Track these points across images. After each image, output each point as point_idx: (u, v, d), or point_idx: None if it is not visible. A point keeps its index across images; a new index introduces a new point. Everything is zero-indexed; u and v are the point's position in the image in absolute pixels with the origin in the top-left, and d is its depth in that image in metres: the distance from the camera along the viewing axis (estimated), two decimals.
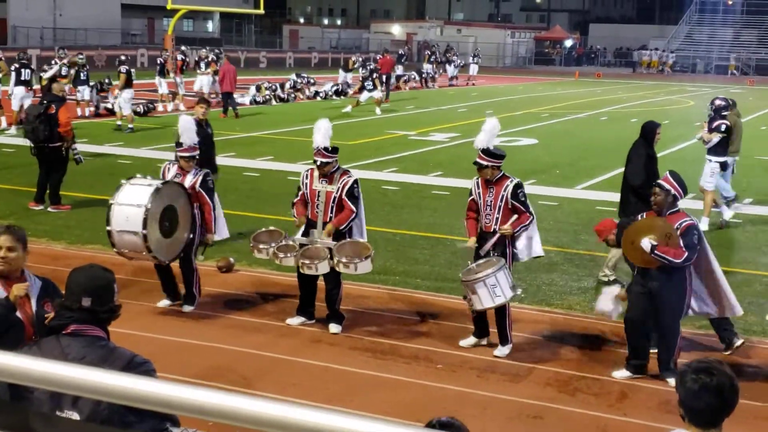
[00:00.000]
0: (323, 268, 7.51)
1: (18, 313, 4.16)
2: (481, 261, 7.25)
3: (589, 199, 14.31)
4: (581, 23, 78.73)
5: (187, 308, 8.15)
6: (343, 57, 29.54)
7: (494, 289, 6.96)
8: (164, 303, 8.25)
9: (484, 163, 7.30)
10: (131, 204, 7.51)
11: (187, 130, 8.42)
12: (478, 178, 7.45)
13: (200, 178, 8.17)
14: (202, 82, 26.59)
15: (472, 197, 7.49)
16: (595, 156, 19.29)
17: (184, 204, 7.93)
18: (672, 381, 6.78)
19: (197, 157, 8.35)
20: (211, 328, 7.77)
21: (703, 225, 11.98)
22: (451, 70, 41.44)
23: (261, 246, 7.81)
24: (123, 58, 21.76)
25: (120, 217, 7.51)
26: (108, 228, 7.56)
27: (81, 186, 13.42)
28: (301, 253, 7.57)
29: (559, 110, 30.04)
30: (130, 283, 8.60)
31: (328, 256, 7.50)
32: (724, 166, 12.12)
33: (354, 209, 7.68)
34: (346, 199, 7.65)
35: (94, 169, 15.36)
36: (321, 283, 7.88)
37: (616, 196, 14.38)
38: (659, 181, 6.82)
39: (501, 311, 7.23)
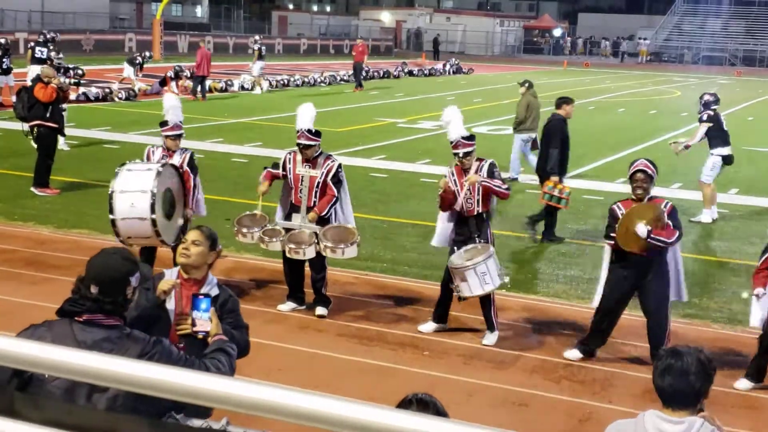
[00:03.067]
0: (310, 253, 7.51)
1: (171, 306, 4.06)
2: (468, 247, 7.25)
3: (576, 187, 14.30)
4: (570, 12, 78.73)
5: None
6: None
7: (484, 276, 6.98)
8: None
9: (468, 149, 7.30)
10: (135, 190, 7.43)
11: (171, 108, 8.32)
12: (452, 168, 7.46)
13: (187, 156, 8.14)
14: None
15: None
16: (582, 145, 19.29)
17: (178, 185, 7.91)
18: None
19: (183, 135, 8.30)
20: None
21: (705, 218, 12.04)
22: None
23: (244, 230, 7.79)
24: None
25: (124, 205, 7.40)
26: (112, 217, 7.44)
27: (68, 170, 13.33)
28: (287, 238, 7.56)
29: (548, 99, 30.00)
30: None
31: (315, 241, 7.49)
32: (728, 160, 12.15)
33: (335, 193, 7.66)
34: (331, 184, 7.64)
35: (80, 154, 15.29)
36: (307, 269, 7.88)
37: (603, 185, 14.48)
38: (642, 167, 6.78)
39: (487, 299, 7.25)
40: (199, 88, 24.88)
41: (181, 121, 8.30)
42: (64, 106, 13.16)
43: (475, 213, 7.32)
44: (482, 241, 7.27)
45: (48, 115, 12.10)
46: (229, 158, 15.55)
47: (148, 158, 8.14)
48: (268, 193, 7.95)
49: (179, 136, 8.20)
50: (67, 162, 13.68)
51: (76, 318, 3.14)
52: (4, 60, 19.54)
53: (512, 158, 14.60)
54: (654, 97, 32.42)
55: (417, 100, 27.89)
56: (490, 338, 7.34)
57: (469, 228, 7.32)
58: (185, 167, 8.06)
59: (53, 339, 3.03)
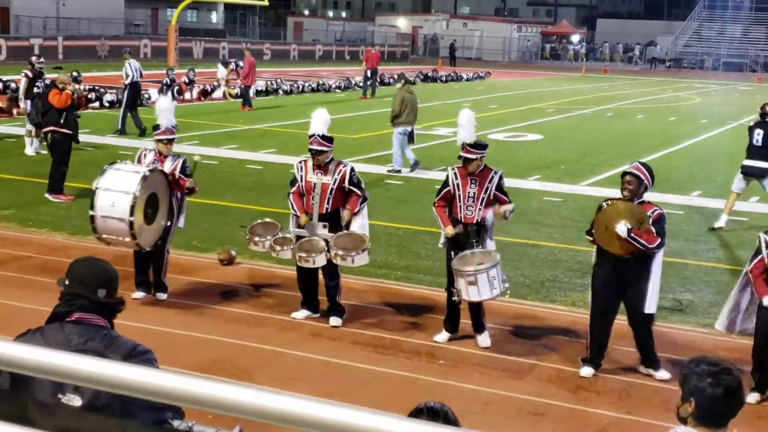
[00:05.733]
0: (320, 260, 7.52)
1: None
2: (476, 250, 7.22)
3: (594, 195, 14.26)
4: (588, 18, 78.57)
5: (162, 296, 8.17)
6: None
7: (494, 281, 6.99)
8: (139, 295, 8.18)
9: (473, 156, 7.30)
10: (118, 190, 7.50)
11: (164, 111, 8.30)
12: (455, 170, 7.45)
13: (179, 164, 8.10)
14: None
15: (448, 188, 7.42)
16: (600, 152, 19.26)
17: (165, 192, 7.95)
18: (659, 374, 6.80)
19: (175, 140, 8.30)
20: (210, 320, 7.78)
21: (721, 222, 11.99)
22: None
23: (256, 239, 7.81)
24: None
25: (105, 203, 7.51)
26: (91, 212, 7.55)
27: (82, 176, 13.42)
28: (297, 246, 7.57)
29: (565, 105, 29.99)
30: (127, 275, 8.59)
31: (325, 248, 7.50)
32: (746, 170, 12.06)
33: (360, 193, 7.68)
34: (351, 187, 7.65)
35: (95, 160, 15.37)
36: (321, 276, 7.90)
37: (619, 193, 14.39)
38: (631, 170, 6.77)
39: (478, 304, 7.27)
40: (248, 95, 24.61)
41: (174, 126, 8.29)
42: (78, 112, 13.28)
43: (474, 221, 7.31)
44: (481, 247, 7.26)
45: (62, 121, 12.21)
46: (244, 165, 15.61)
47: (139, 161, 8.14)
48: (306, 221, 7.84)
49: (172, 141, 8.19)
50: (81, 168, 13.78)
51: (66, 319, 3.18)
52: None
53: (394, 152, 15.64)
54: (673, 104, 32.26)
55: (432, 106, 27.89)
56: (486, 339, 7.38)
57: (468, 235, 7.31)
58: (177, 173, 8.03)
59: (46, 343, 3.07)
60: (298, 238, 7.68)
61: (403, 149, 15.69)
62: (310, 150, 7.70)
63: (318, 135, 7.65)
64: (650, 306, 6.79)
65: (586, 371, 6.90)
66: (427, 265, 9.77)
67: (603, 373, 6.96)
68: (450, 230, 7.33)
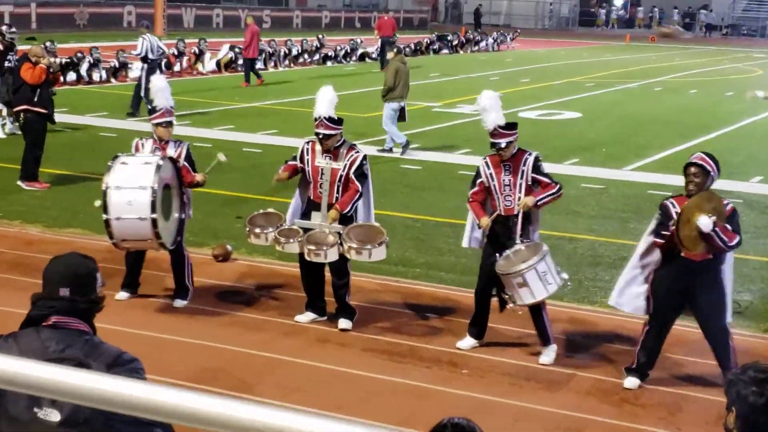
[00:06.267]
0: (332, 254, 7.52)
1: None
2: (513, 249, 7.20)
3: (639, 181, 14.23)
4: None
5: (180, 303, 8.16)
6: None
7: (546, 276, 6.94)
8: (123, 296, 8.21)
9: (507, 140, 7.25)
10: (133, 186, 7.50)
11: (160, 90, 8.32)
12: (486, 159, 7.43)
13: (184, 150, 8.12)
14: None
15: (481, 179, 7.41)
16: (647, 132, 19.17)
17: (176, 182, 7.97)
18: None
19: (175, 122, 8.32)
20: (204, 324, 7.82)
21: None
22: None
23: (257, 230, 7.81)
24: None
25: (120, 203, 7.47)
26: (105, 217, 7.52)
27: (59, 161, 13.50)
28: (306, 239, 7.58)
29: (607, 79, 29.85)
30: (118, 273, 8.65)
31: (338, 241, 7.51)
32: None
33: (360, 188, 7.67)
34: (354, 178, 7.65)
35: (73, 142, 15.46)
36: (327, 274, 7.91)
37: (672, 179, 14.33)
38: (695, 160, 6.68)
39: (538, 309, 7.21)
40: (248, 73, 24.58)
41: (172, 107, 8.29)
42: (54, 89, 13.32)
43: (516, 212, 7.28)
44: (526, 241, 7.23)
45: (36, 99, 12.24)
46: (241, 148, 15.64)
47: (137, 152, 8.12)
48: (284, 182, 7.97)
49: (171, 124, 8.21)
50: (58, 152, 13.84)
51: (43, 323, 3.20)
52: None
53: (387, 129, 15.58)
54: (731, 77, 32.05)
55: (455, 80, 27.84)
56: (549, 355, 7.28)
57: (509, 229, 7.28)
58: (182, 161, 8.06)
59: (21, 351, 3.09)
60: (305, 230, 7.69)
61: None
62: (316, 134, 7.70)
63: (324, 117, 7.65)
64: (727, 316, 6.79)
65: (631, 382, 6.88)
66: (450, 262, 9.77)
67: (650, 385, 6.94)
68: (485, 220, 7.31)
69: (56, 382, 1.61)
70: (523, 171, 7.28)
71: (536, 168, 7.30)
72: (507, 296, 7.12)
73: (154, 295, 8.43)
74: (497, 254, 7.24)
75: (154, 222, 7.46)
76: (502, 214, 7.30)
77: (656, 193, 13.19)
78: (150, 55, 18.92)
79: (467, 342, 7.51)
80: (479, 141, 17.04)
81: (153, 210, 7.43)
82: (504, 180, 7.29)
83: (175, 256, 8.16)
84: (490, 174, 7.35)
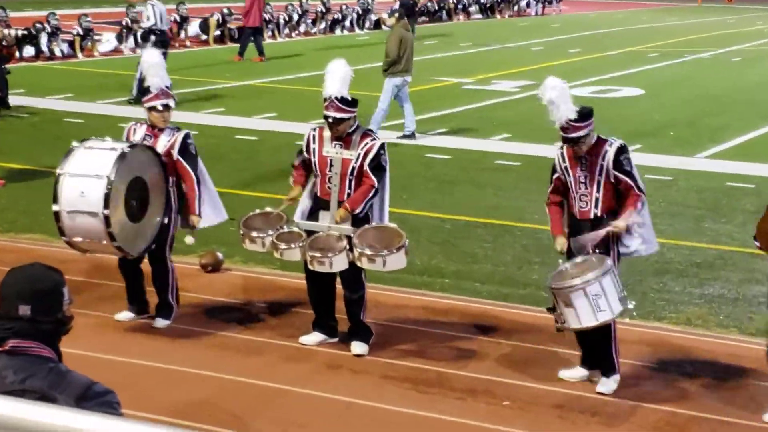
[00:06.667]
0: (340, 263, 7.52)
1: None
2: (577, 260, 7.16)
3: (715, 171, 14.16)
4: None
5: (162, 323, 8.19)
6: None
7: (597, 300, 6.85)
8: (126, 315, 8.28)
9: (580, 134, 7.16)
10: (88, 174, 7.53)
11: (153, 67, 8.33)
12: (562, 149, 7.37)
13: (179, 139, 8.11)
14: None
15: (557, 174, 7.38)
16: (723, 112, 19.08)
17: (157, 176, 7.95)
18: None
19: (173, 105, 8.35)
20: (190, 348, 7.83)
21: None
22: None
23: (254, 234, 7.81)
24: None
25: (72, 193, 7.52)
26: (55, 208, 7.57)
27: (16, 154, 13.58)
28: (309, 244, 7.59)
29: (674, 48, 29.73)
30: (86, 287, 8.69)
31: (346, 246, 7.51)
32: None
33: (375, 183, 7.66)
34: (369, 171, 7.65)
35: (33, 131, 15.52)
36: (338, 286, 7.91)
37: (754, 168, 14.26)
38: None
39: (605, 330, 7.17)
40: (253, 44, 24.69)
41: (168, 87, 8.31)
42: (7, 66, 13.41)
43: (592, 216, 7.26)
44: (600, 252, 7.18)
45: None
46: (233, 135, 15.68)
47: (128, 138, 8.15)
48: (297, 198, 7.93)
49: (167, 108, 8.20)
50: (13, 142, 13.93)
51: None
52: None
53: (379, 108, 15.46)
54: None
55: (490, 51, 27.80)
56: (609, 384, 7.24)
57: (584, 237, 7.21)
58: (175, 154, 8.07)
59: None
60: (310, 233, 7.69)
61: (401, 103, 15.75)
62: (325, 118, 7.71)
63: (335, 97, 7.66)
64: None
65: None
66: (485, 271, 9.75)
67: (734, 419, 6.89)
68: (560, 241, 7.27)
69: (15, 419, 1.61)
70: (601, 166, 7.17)
71: (617, 163, 7.15)
72: (554, 315, 7.08)
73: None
74: (560, 261, 7.24)
75: (106, 220, 7.45)
76: (577, 217, 7.27)
77: (736, 186, 13.12)
78: (159, 25, 18.82)
79: (573, 372, 7.45)
80: (519, 124, 17.05)
81: (106, 205, 7.43)
82: (579, 175, 7.24)
83: (157, 267, 8.18)
84: (565, 168, 7.30)
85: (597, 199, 7.19)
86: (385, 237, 7.61)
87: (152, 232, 7.99)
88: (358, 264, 7.55)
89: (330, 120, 7.66)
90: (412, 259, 7.95)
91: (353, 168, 7.66)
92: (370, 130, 7.96)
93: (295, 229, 7.77)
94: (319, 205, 7.81)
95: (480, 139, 15.87)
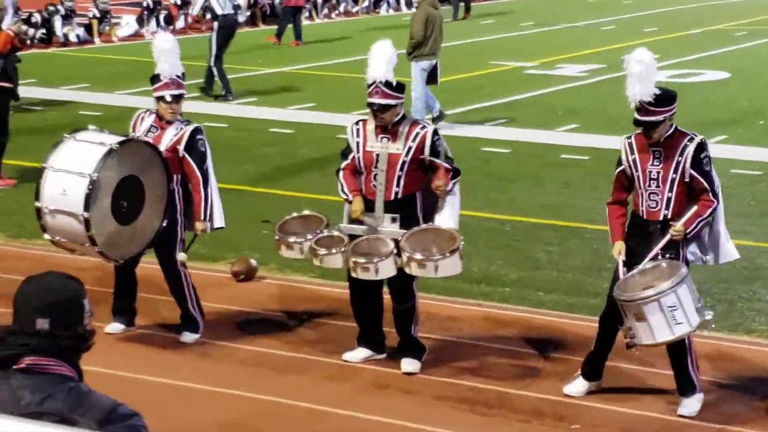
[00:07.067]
0: (386, 269, 7.52)
1: None
2: (647, 266, 7.12)
3: None
4: None
5: (189, 337, 8.25)
6: None
7: (674, 312, 6.82)
8: (115, 327, 8.30)
9: (657, 118, 7.13)
10: (71, 171, 7.60)
11: (164, 53, 8.35)
12: (631, 138, 7.32)
13: (186, 134, 8.15)
14: None
15: (622, 167, 7.34)
16: None
17: (156, 175, 7.95)
18: None
19: (184, 96, 8.39)
20: (223, 365, 7.89)
21: None
22: None
23: (291, 240, 7.85)
24: None
25: (54, 190, 7.61)
26: (37, 204, 7.68)
27: (27, 150, 13.69)
28: (352, 248, 7.61)
29: (765, 26, 29.39)
30: (105, 297, 8.74)
31: (394, 251, 7.53)
32: None
33: (449, 165, 7.71)
34: (435, 160, 7.68)
35: (45, 125, 15.64)
36: (386, 296, 7.93)
37: None
38: None
39: (680, 344, 7.13)
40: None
41: (180, 75, 8.33)
42: (18, 54, 13.53)
43: (661, 217, 7.23)
44: (669, 256, 7.14)
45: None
46: (266, 128, 15.73)
47: (134, 128, 8.26)
48: (363, 210, 7.84)
49: (179, 99, 8.27)
50: (24, 138, 14.04)
51: (13, 366, 3.24)
52: None
53: (414, 97, 15.21)
54: None
55: (554, 31, 27.67)
56: (691, 405, 7.19)
57: (647, 238, 7.21)
58: (181, 150, 8.10)
59: None
60: (353, 237, 7.72)
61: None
62: (370, 105, 7.74)
63: (380, 82, 7.68)
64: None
65: None
66: (550, 278, 9.73)
67: None
68: (619, 246, 7.24)
69: None
70: (678, 162, 7.12)
71: (696, 161, 7.10)
72: (622, 329, 7.03)
73: (155, 325, 8.54)
74: (626, 269, 7.18)
75: (86, 223, 7.49)
76: (644, 217, 7.23)
77: None
78: (219, 10, 18.63)
79: (578, 386, 7.48)
80: (588, 113, 16.95)
81: (86, 207, 7.47)
82: (650, 170, 7.17)
83: (168, 275, 8.23)
84: (634, 160, 7.23)
85: (669, 199, 7.13)
86: (438, 239, 7.62)
87: (148, 236, 8.02)
88: (407, 270, 7.55)
89: (375, 107, 7.69)
90: (468, 265, 7.93)
91: (403, 162, 7.67)
92: (418, 119, 7.98)
93: (336, 233, 7.79)
94: (363, 205, 7.82)
95: (544, 131, 15.81)
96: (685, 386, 7.22)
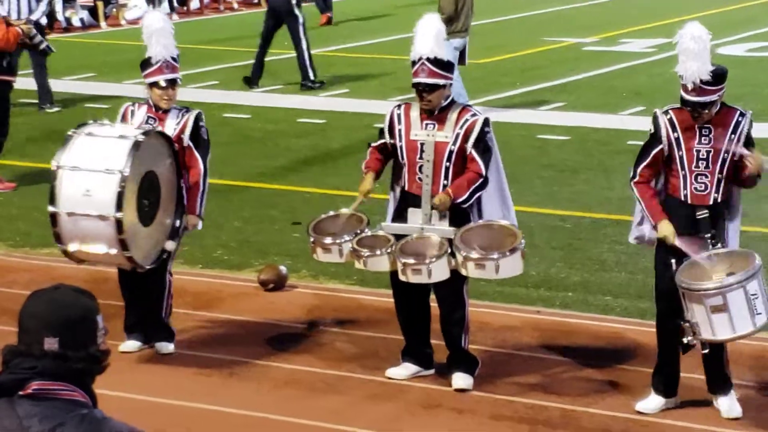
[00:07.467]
0: (440, 271, 7.50)
1: None
2: (715, 251, 7.11)
3: None
4: None
5: (167, 347, 8.30)
6: None
7: (755, 301, 6.82)
8: (132, 345, 8.34)
9: (710, 98, 7.14)
10: (96, 169, 7.63)
11: (156, 33, 8.40)
12: (670, 113, 7.33)
13: (190, 121, 8.22)
14: None
15: (660, 146, 7.34)
16: None
17: (171, 171, 8.03)
18: None
19: (179, 82, 8.43)
20: (252, 385, 7.91)
21: None
22: None
23: (328, 241, 7.85)
24: None
25: (75, 192, 7.62)
26: (52, 209, 7.67)
27: (27, 149, 13.79)
28: (399, 249, 7.61)
29: None
30: (120, 312, 8.80)
31: (447, 250, 7.52)
32: None
33: (483, 170, 7.68)
34: (474, 154, 7.65)
35: (48, 121, 15.74)
36: (434, 304, 7.93)
37: None
38: None
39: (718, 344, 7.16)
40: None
41: (175, 57, 8.39)
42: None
43: (711, 201, 7.21)
44: (720, 246, 7.15)
45: (5, 65, 12.58)
46: (294, 118, 15.76)
47: (124, 120, 8.29)
48: (372, 191, 7.96)
49: (174, 84, 8.31)
50: (25, 136, 14.12)
51: (20, 392, 3.25)
52: None
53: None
54: None
55: (616, 2, 27.56)
56: (733, 405, 7.24)
57: (695, 225, 7.21)
58: (186, 140, 8.17)
59: None
60: (398, 237, 7.71)
61: None
62: (415, 86, 7.74)
63: (427, 59, 7.69)
64: None
65: None
66: (619, 280, 9.71)
67: None
68: (665, 227, 7.21)
69: None
70: (731, 140, 7.16)
71: (749, 139, 7.23)
72: (686, 325, 6.99)
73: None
74: (673, 260, 7.15)
75: (119, 225, 7.52)
76: (689, 202, 7.22)
77: None
78: None
79: (652, 402, 7.46)
80: (656, 93, 16.84)
81: (119, 207, 7.50)
82: (698, 150, 7.18)
83: (153, 281, 8.24)
84: (677, 139, 7.24)
85: (719, 181, 7.18)
86: (495, 237, 7.61)
87: (163, 238, 8.07)
88: (463, 272, 7.54)
89: (421, 87, 7.68)
90: (525, 268, 7.90)
91: (450, 152, 7.66)
92: (469, 105, 7.98)
93: (380, 233, 7.78)
94: (407, 202, 7.81)
95: (607, 114, 15.78)
96: (724, 384, 7.27)
